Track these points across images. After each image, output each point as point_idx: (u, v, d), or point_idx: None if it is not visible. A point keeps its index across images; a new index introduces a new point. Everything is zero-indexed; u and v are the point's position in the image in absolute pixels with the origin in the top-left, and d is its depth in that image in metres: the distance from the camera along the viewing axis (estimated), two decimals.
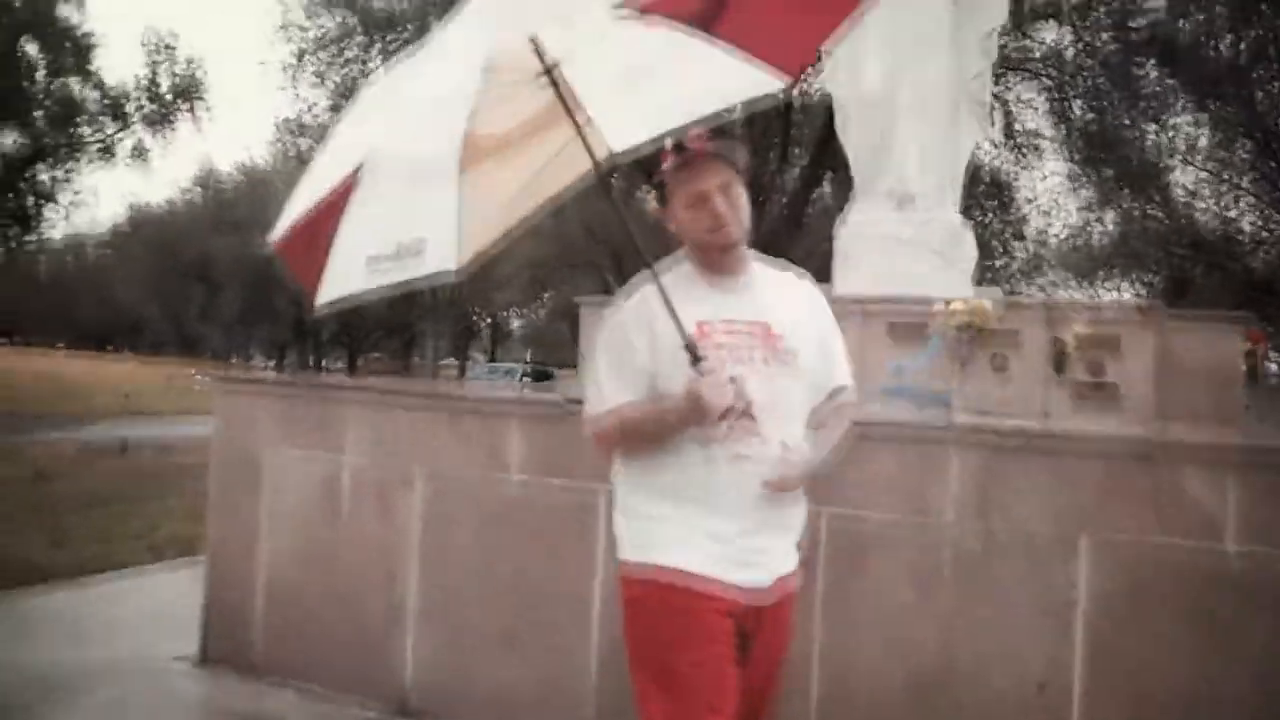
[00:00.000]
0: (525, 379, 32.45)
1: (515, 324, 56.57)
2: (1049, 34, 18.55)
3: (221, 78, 45.66)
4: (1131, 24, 17.25)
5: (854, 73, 7.53)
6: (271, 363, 53.06)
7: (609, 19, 2.16)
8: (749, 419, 2.22)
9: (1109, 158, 19.00)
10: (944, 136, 7.33)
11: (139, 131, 27.95)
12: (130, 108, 27.50)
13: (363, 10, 21.01)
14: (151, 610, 5.88)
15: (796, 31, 2.21)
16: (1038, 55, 18.73)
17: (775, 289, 2.47)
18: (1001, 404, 5.84)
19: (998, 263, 21.60)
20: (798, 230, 18.00)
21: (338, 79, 20.85)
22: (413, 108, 2.34)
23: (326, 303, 2.38)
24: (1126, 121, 18.39)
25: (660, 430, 2.29)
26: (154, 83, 27.54)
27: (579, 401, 2.60)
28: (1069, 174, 21.00)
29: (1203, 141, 20.05)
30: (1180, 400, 6.04)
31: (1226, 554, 3.23)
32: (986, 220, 20.08)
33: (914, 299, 6.39)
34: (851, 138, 7.75)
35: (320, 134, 18.04)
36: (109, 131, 27.85)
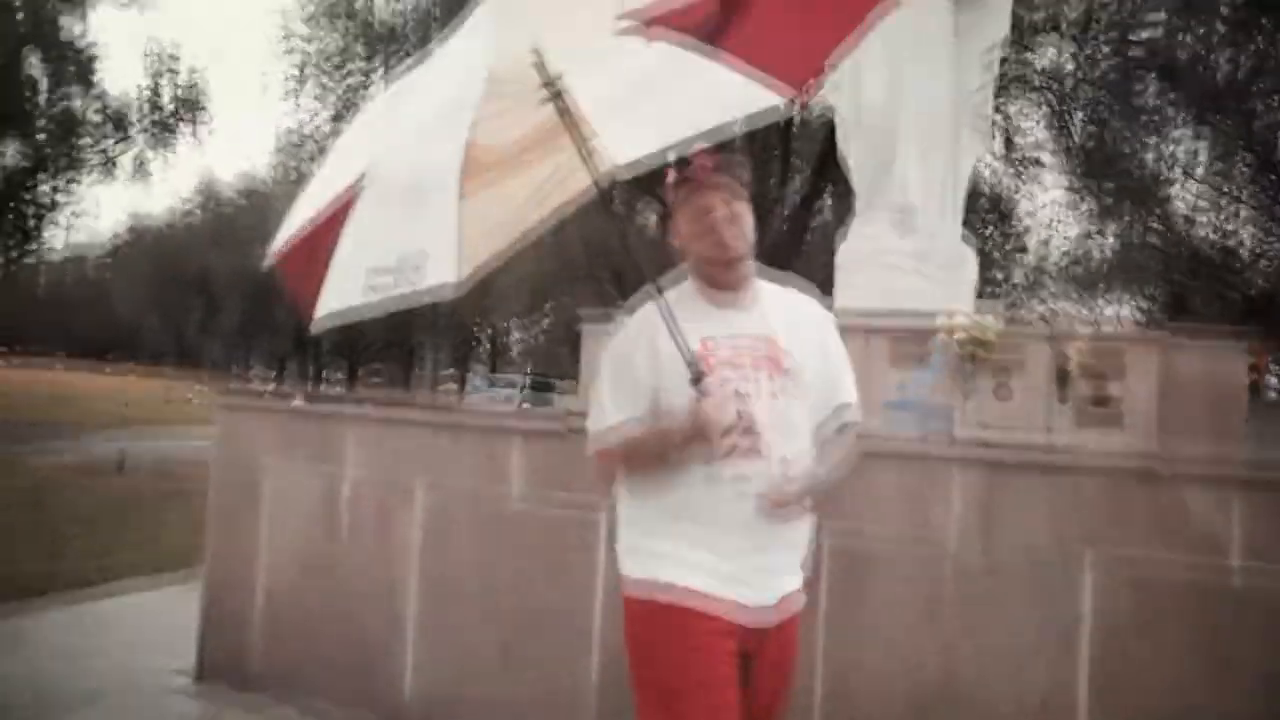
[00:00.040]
0: (525, 391, 32.46)
1: (515, 337, 56.59)
2: (1049, 51, 18.62)
3: (223, 89, 45.70)
4: (1131, 38, 17.30)
5: (855, 90, 7.55)
6: (273, 374, 53.10)
7: (612, 33, 2.15)
8: (752, 435, 2.20)
9: (1109, 174, 19.04)
10: (945, 154, 7.33)
11: (140, 145, 28.02)
12: (132, 120, 27.56)
13: (364, 25, 21.09)
14: (149, 626, 5.85)
15: (803, 46, 2.20)
16: (1038, 71, 18.80)
17: (780, 306, 2.45)
18: (1004, 421, 5.83)
19: (998, 276, 21.63)
20: (798, 247, 18.02)
21: (339, 93, 20.92)
22: (414, 121, 2.33)
23: (325, 316, 2.36)
24: (1126, 136, 18.44)
25: (663, 449, 2.28)
26: (156, 96, 27.60)
27: (581, 414, 2.58)
28: (1069, 190, 21.08)
29: (1202, 158, 20.11)
30: (1183, 417, 6.03)
31: (1231, 573, 3.21)
32: (987, 233, 20.11)
33: (915, 314, 6.38)
34: (853, 155, 7.77)
35: (321, 149, 18.09)
36: (110, 144, 27.89)
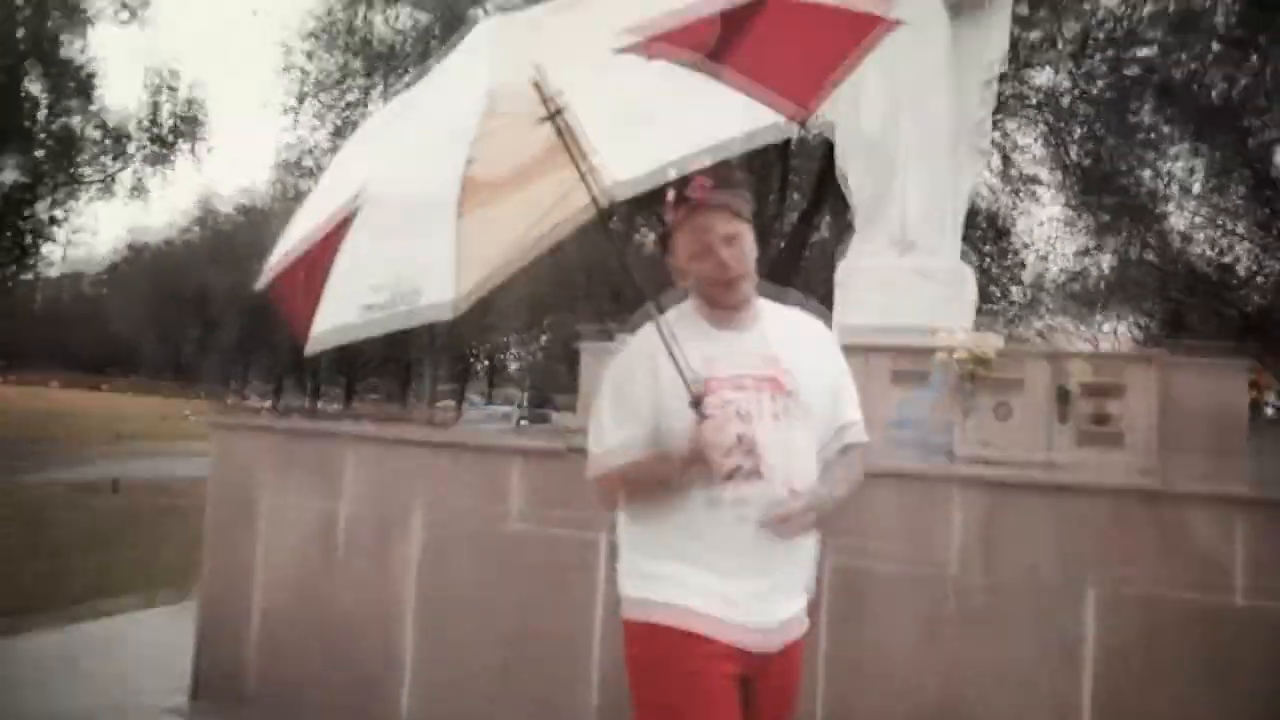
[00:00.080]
0: (523, 421, 32.30)
1: (512, 353, 56.65)
2: (1046, 70, 18.73)
3: (222, 107, 45.80)
4: (1127, 56, 17.40)
5: (854, 109, 7.55)
6: (270, 389, 53.08)
7: (612, 51, 2.13)
8: (753, 457, 2.17)
9: (1106, 192, 19.12)
10: (945, 173, 7.34)
11: (138, 167, 28.07)
12: (131, 146, 27.62)
13: (363, 43, 21.15)
14: (143, 653, 5.78)
15: (804, 65, 2.19)
16: (1035, 89, 18.89)
17: (782, 326, 2.42)
18: (1004, 440, 5.82)
19: (996, 293, 21.66)
20: (796, 264, 18.05)
21: (338, 111, 20.97)
22: (412, 139, 2.31)
23: (321, 336, 2.33)
24: (1124, 154, 18.52)
25: (664, 475, 2.25)
26: (155, 114, 27.67)
27: (580, 431, 2.56)
28: (1066, 207, 21.16)
29: (1198, 176, 20.19)
30: (1184, 436, 6.01)
31: (1234, 592, 3.19)
32: (985, 250, 20.15)
33: (915, 330, 6.37)
34: (852, 179, 7.77)
35: (320, 166, 18.12)
36: (109, 162, 27.95)
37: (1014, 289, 23.17)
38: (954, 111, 7.36)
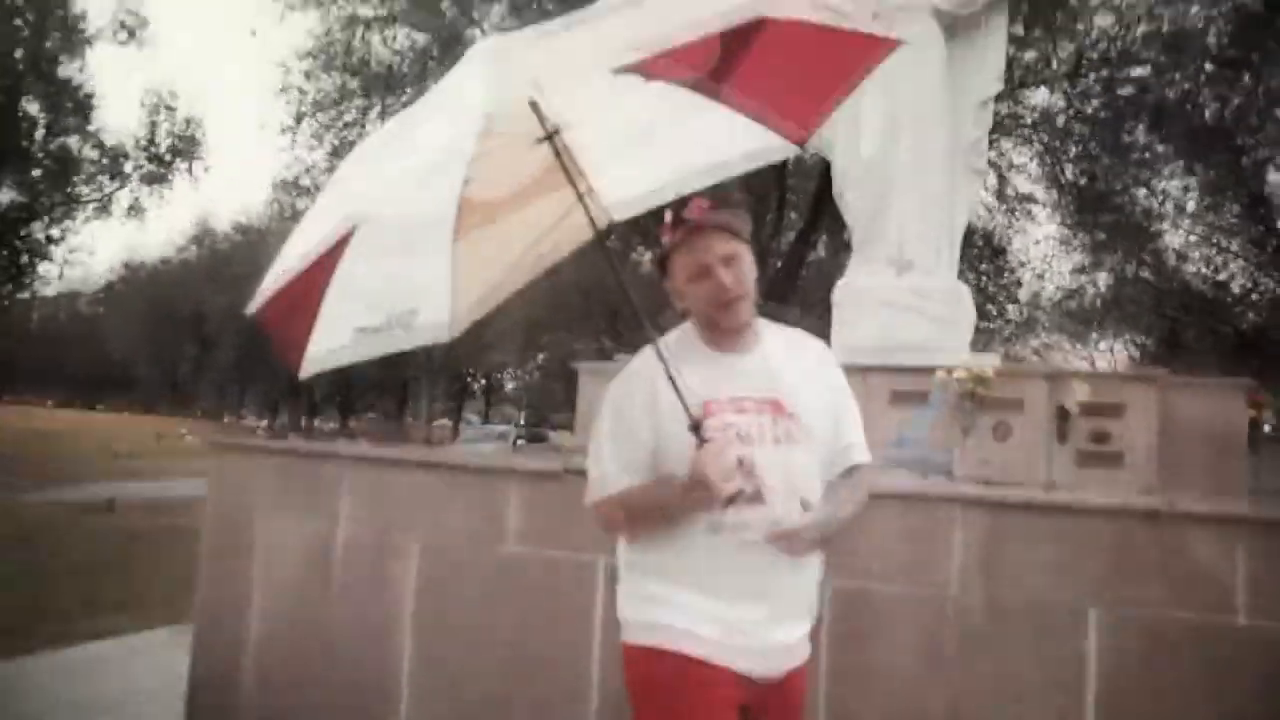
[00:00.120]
0: (520, 442, 32.22)
1: (509, 383, 56.63)
2: (1041, 91, 18.82)
3: (220, 128, 46.09)
4: (1119, 90, 17.48)
5: (851, 136, 7.56)
6: (265, 420, 52.96)
7: (610, 73, 2.13)
8: (754, 481, 2.15)
9: (1101, 212, 19.17)
10: (941, 199, 7.34)
11: (136, 187, 28.08)
12: (128, 167, 27.63)
13: (361, 64, 21.18)
14: (136, 680, 5.72)
15: (803, 88, 2.19)
16: (1029, 117, 19.00)
17: (782, 347, 2.40)
18: (1004, 464, 5.80)
19: (992, 312, 21.69)
20: (793, 284, 18.06)
21: (336, 131, 20.99)
22: (409, 161, 2.29)
23: (316, 359, 2.31)
24: (1118, 174, 18.59)
25: (664, 501, 2.22)
26: (152, 139, 27.70)
27: (578, 451, 2.54)
28: (1062, 227, 21.23)
29: (1192, 195, 20.27)
30: (1184, 460, 6.00)
31: (1236, 613, 3.18)
32: (981, 272, 20.19)
33: (913, 358, 6.36)
34: (849, 202, 7.77)
35: (317, 187, 18.12)
36: (106, 186, 27.97)
37: (1010, 307, 23.17)
38: (950, 132, 7.37)
